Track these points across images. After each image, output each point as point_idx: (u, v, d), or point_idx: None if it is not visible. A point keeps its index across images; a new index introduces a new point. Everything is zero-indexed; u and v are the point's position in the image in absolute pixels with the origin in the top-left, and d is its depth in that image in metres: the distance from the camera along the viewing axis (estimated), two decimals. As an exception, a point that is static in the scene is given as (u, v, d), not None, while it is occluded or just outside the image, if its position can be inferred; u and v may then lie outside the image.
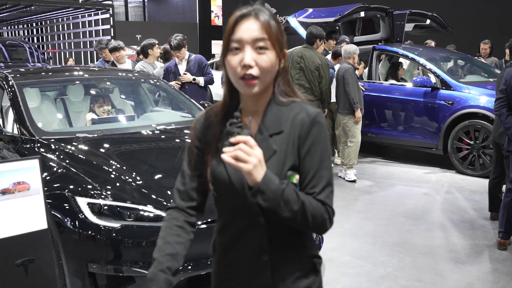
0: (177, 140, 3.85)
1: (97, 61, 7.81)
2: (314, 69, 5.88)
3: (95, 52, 12.15)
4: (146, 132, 3.88)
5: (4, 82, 4.18)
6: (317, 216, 1.35)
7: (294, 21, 8.16)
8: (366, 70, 7.57)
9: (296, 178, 1.36)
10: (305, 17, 7.84)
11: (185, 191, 1.54)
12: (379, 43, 7.61)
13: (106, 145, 3.56)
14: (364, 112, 7.29)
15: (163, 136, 3.85)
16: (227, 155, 1.24)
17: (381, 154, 7.55)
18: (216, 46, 23.21)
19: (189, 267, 2.78)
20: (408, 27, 8.31)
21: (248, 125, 1.32)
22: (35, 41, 17.23)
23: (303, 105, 1.44)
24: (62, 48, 15.94)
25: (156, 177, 3.17)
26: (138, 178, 3.07)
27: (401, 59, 7.82)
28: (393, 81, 7.42)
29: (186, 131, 3.99)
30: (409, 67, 8.10)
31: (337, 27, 7.99)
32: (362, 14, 7.35)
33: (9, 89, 4.02)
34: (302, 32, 7.97)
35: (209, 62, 14.44)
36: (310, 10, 7.95)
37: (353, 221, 4.70)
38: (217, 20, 24.12)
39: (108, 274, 2.77)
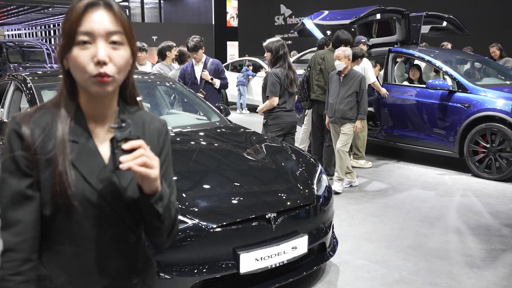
0: (193, 143, 3.89)
1: None
2: (332, 71, 5.86)
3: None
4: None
5: (23, 85, 4.27)
6: (177, 223, 1.34)
7: (309, 23, 8.15)
8: (382, 72, 7.55)
9: None
10: (321, 19, 7.83)
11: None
12: (395, 45, 7.58)
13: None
14: (380, 114, 7.29)
15: (178, 139, 3.89)
16: (133, 163, 1.09)
17: (396, 157, 7.52)
18: (232, 47, 23.30)
19: (204, 270, 2.81)
20: (425, 29, 8.27)
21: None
22: (53, 42, 17.45)
23: (149, 113, 1.37)
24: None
25: (177, 182, 3.20)
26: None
27: (417, 62, 7.78)
28: (409, 83, 7.39)
29: (201, 133, 4.04)
30: (425, 69, 8.04)
31: (352, 29, 7.96)
32: (378, 16, 7.32)
33: (28, 91, 4.10)
34: (318, 35, 7.97)
35: (225, 63, 14.50)
36: (326, 12, 7.94)
37: (367, 225, 4.69)
38: (233, 21, 24.19)
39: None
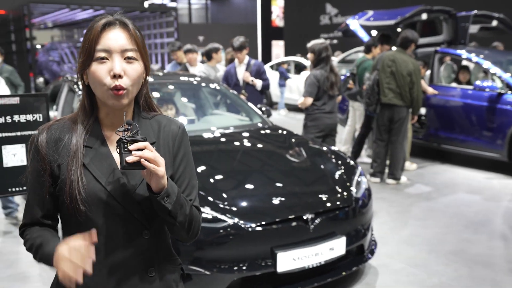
0: (235, 143, 3.98)
1: (168, 63, 8.17)
2: (406, 74, 5.72)
3: (166, 53, 12.62)
4: (206, 135, 4.05)
5: (75, 86, 4.49)
6: (197, 220, 1.41)
7: (354, 24, 8.10)
8: (428, 73, 7.42)
9: None
10: (365, 19, 7.77)
11: (40, 217, 1.38)
12: (441, 46, 7.43)
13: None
14: (425, 115, 7.17)
15: (222, 139, 3.99)
16: (138, 158, 1.19)
17: (442, 159, 7.37)
18: (277, 47, 23.37)
19: (244, 268, 2.89)
20: (473, 28, 8.06)
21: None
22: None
23: (167, 117, 1.46)
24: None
25: (214, 179, 3.30)
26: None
27: (466, 62, 7.60)
28: (456, 85, 7.23)
29: (242, 134, 4.12)
30: (474, 70, 7.85)
31: (398, 30, 7.86)
32: (424, 16, 7.19)
33: (80, 93, 4.31)
34: (362, 36, 7.92)
35: (271, 63, 14.57)
36: (370, 12, 7.87)
37: (409, 228, 4.65)
38: (278, 21, 24.23)
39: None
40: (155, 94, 4.83)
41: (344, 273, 3.27)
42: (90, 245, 1.19)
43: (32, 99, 2.13)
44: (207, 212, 2.96)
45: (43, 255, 1.30)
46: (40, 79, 12.21)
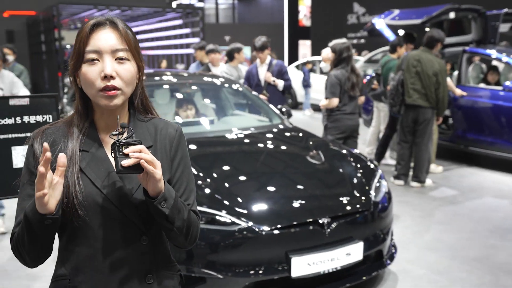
0: (253, 144, 3.94)
1: (193, 62, 8.20)
2: (432, 74, 5.58)
3: (192, 53, 12.70)
4: (224, 135, 4.02)
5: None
6: (195, 225, 1.37)
7: (380, 23, 7.96)
8: (455, 73, 7.23)
9: None
10: (391, 19, 7.62)
11: None
12: (470, 45, 7.23)
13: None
14: (452, 117, 6.99)
15: (239, 140, 3.96)
16: (134, 162, 1.15)
17: (469, 162, 7.17)
18: (303, 46, 23.24)
19: (256, 272, 2.84)
20: (504, 27, 7.81)
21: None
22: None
23: (164, 120, 1.43)
24: (155, 50, 16.74)
25: (228, 181, 3.26)
26: (212, 183, 3.18)
27: (496, 62, 7.38)
28: (485, 85, 7.02)
29: (260, 135, 4.08)
30: (504, 70, 7.61)
31: (426, 29, 7.68)
32: (452, 15, 7.01)
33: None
34: (389, 35, 7.77)
35: (296, 63, 14.49)
36: (396, 11, 7.72)
37: (432, 233, 4.52)
38: (305, 20, 24.10)
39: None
40: (178, 95, 4.83)
41: (361, 279, 3.19)
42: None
43: (42, 100, 2.13)
44: (222, 215, 2.92)
45: (28, 215, 1.18)
46: (68, 79, 12.43)
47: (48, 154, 1.10)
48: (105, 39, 1.26)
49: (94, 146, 1.31)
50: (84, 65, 1.26)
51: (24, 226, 1.20)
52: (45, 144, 1.10)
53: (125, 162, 1.15)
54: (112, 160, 1.28)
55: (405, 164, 5.96)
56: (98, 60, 1.25)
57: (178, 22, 14.41)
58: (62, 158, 1.15)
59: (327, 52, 5.73)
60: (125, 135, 1.22)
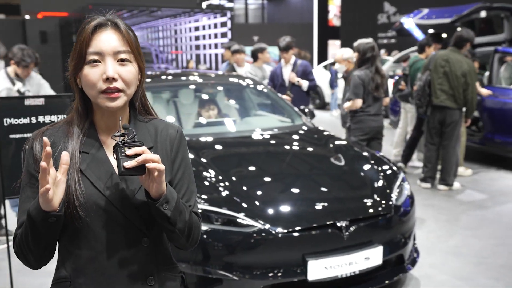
0: (274, 145, 3.91)
1: (222, 62, 8.26)
2: (460, 75, 5.43)
3: (220, 54, 12.79)
4: (246, 136, 4.01)
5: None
6: (197, 227, 1.37)
7: (409, 22, 7.81)
8: (486, 73, 7.03)
9: None
10: (420, 18, 7.47)
11: None
12: (502, 45, 7.02)
13: (205, 148, 3.72)
14: (484, 119, 6.80)
15: (264, 141, 3.94)
16: (136, 164, 1.14)
17: (500, 165, 6.95)
18: (333, 46, 23.06)
19: (272, 275, 2.82)
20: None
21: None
22: (160, 43, 18.44)
23: (164, 121, 1.42)
24: (184, 50, 16.89)
25: (246, 182, 3.24)
26: (230, 184, 3.17)
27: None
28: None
29: (284, 136, 4.05)
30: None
31: (458, 29, 7.51)
32: (483, 14, 6.82)
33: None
34: (418, 35, 7.62)
35: (324, 63, 14.38)
36: (426, 10, 7.56)
37: (458, 238, 4.40)
38: (335, 20, 23.91)
39: (197, 274, 2.90)
40: (200, 95, 4.84)
41: (380, 284, 3.12)
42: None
43: (57, 100, 2.15)
44: (239, 217, 2.90)
45: (31, 214, 1.18)
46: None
47: (49, 148, 1.10)
48: (107, 40, 1.25)
49: (94, 148, 1.31)
50: (85, 66, 1.25)
51: (28, 225, 1.20)
52: (45, 139, 1.10)
53: (128, 164, 1.14)
54: (113, 162, 1.28)
55: (432, 166, 5.83)
56: (100, 62, 1.24)
57: (207, 22, 14.50)
58: (65, 156, 1.15)
59: (341, 53, 5.73)
60: (127, 136, 1.21)
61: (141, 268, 1.31)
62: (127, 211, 1.28)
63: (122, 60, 1.26)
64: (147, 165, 1.16)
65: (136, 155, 1.16)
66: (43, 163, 1.09)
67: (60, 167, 1.15)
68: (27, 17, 15.70)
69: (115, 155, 1.17)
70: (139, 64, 1.31)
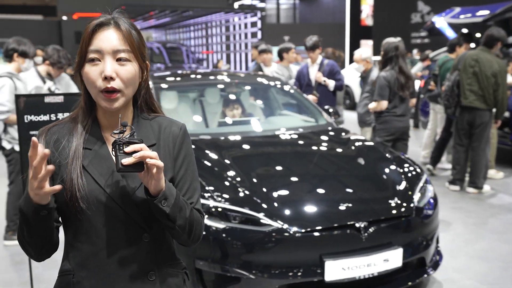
0: (303, 146, 3.90)
1: (251, 62, 8.30)
2: (490, 75, 5.31)
3: (250, 53, 12.83)
4: (269, 135, 4.02)
5: (158, 84, 4.62)
6: (199, 224, 1.37)
7: (441, 21, 7.67)
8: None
9: None
10: (452, 17, 7.32)
11: None
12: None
13: (226, 148, 3.74)
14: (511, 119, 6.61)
15: (287, 141, 3.93)
16: (134, 160, 1.16)
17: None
18: (365, 46, 22.83)
19: (288, 274, 2.81)
20: None
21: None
22: (191, 43, 18.62)
23: (169, 119, 1.43)
24: (215, 50, 17.02)
25: (265, 181, 3.24)
26: (249, 183, 3.18)
27: None
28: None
29: (307, 136, 4.03)
30: None
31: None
32: (518, 12, 6.62)
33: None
34: (449, 34, 7.47)
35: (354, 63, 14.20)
36: (458, 9, 7.40)
37: (485, 242, 4.29)
38: (367, 20, 23.65)
39: (215, 272, 2.91)
40: (225, 95, 4.87)
41: (401, 287, 3.07)
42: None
43: (76, 98, 2.20)
44: (257, 216, 2.91)
45: (23, 208, 1.21)
46: None
47: (41, 150, 1.11)
48: (107, 39, 1.26)
49: (97, 144, 1.33)
50: (86, 64, 1.27)
51: (21, 220, 1.24)
52: (34, 139, 1.12)
53: (125, 161, 1.16)
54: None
55: (460, 168, 5.70)
56: (100, 60, 1.26)
57: (237, 22, 14.57)
58: (41, 148, 1.13)
59: (360, 53, 5.72)
60: (127, 133, 1.23)
61: (142, 264, 1.33)
62: (127, 207, 1.29)
63: (121, 59, 1.27)
64: (147, 160, 1.17)
65: (135, 152, 1.17)
66: (34, 162, 1.11)
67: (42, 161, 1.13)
68: (64, 18, 16.12)
69: (113, 152, 1.19)
70: (141, 63, 1.31)
